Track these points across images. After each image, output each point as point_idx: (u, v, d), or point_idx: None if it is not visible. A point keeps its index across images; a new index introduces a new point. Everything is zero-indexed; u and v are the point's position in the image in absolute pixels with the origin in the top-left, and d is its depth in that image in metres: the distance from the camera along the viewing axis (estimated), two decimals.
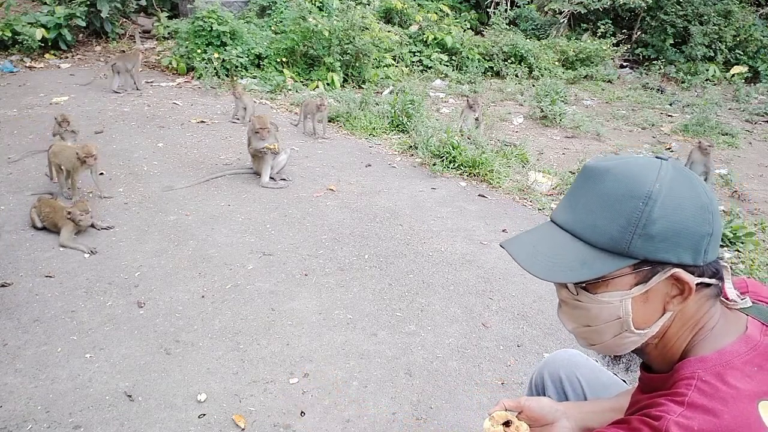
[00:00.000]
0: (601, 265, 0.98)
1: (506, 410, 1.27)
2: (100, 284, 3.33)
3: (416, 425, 2.41)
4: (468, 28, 10.42)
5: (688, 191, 0.97)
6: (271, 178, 4.90)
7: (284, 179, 4.96)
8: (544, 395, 1.57)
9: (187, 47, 8.21)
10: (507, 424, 1.26)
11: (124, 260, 3.60)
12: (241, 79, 8.04)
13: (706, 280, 1.00)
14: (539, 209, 4.67)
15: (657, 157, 1.03)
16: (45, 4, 9.17)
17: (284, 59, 8.43)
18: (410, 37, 9.78)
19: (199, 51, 7.99)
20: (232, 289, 3.34)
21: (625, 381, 1.52)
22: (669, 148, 6.55)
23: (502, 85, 9.17)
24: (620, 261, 0.98)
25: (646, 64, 10.56)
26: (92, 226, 3.95)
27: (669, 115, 8.11)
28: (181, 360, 2.73)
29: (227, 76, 8.07)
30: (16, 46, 8.56)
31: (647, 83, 9.62)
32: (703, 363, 0.98)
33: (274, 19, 9.32)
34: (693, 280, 0.98)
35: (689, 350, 1.03)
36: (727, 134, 7.06)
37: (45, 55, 8.74)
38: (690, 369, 0.98)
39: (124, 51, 8.74)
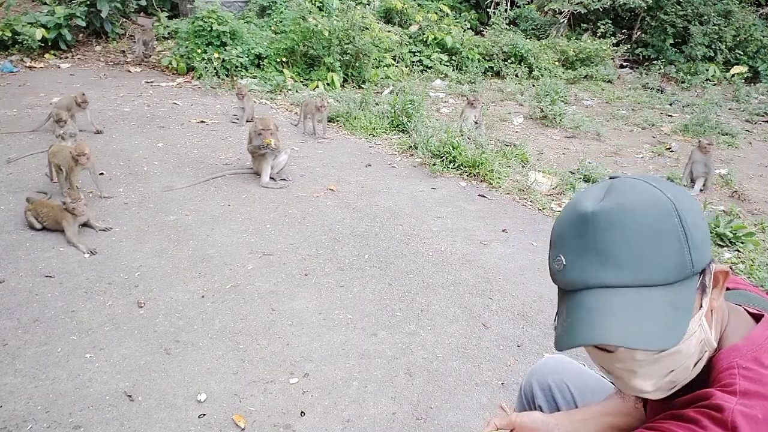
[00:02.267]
0: (686, 299, 0.92)
1: (498, 429, 1.28)
2: (100, 284, 3.33)
3: (416, 425, 2.41)
4: (468, 28, 10.43)
5: (681, 191, 0.97)
6: (271, 178, 4.90)
7: (284, 179, 4.96)
8: (534, 404, 1.58)
9: (187, 47, 8.21)
10: None
11: (124, 260, 3.60)
12: (241, 79, 8.04)
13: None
14: (539, 209, 4.67)
15: (611, 177, 1.01)
16: (45, 4, 9.18)
17: (284, 59, 8.43)
18: (410, 37, 9.79)
19: (199, 51, 8.00)
20: (232, 289, 3.34)
21: (613, 383, 1.52)
22: (669, 148, 6.55)
23: (502, 85, 9.18)
24: (693, 283, 0.93)
25: (646, 64, 10.57)
26: (89, 225, 3.95)
27: (669, 115, 8.11)
28: (181, 360, 2.73)
29: (227, 76, 8.08)
30: (16, 46, 8.57)
31: (647, 83, 9.62)
32: (737, 351, 0.98)
33: (274, 19, 9.33)
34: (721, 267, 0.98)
35: (720, 345, 1.03)
36: (727, 134, 7.07)
37: (45, 55, 8.75)
38: (727, 360, 0.98)
39: (144, 27, 9.69)
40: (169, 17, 10.20)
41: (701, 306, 0.95)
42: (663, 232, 0.90)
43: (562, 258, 0.96)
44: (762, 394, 0.91)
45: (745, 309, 1.08)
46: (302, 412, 2.45)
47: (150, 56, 9.14)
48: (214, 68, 7.94)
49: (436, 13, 10.32)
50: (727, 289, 1.11)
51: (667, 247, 0.90)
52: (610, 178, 1.01)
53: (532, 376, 1.60)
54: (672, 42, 10.45)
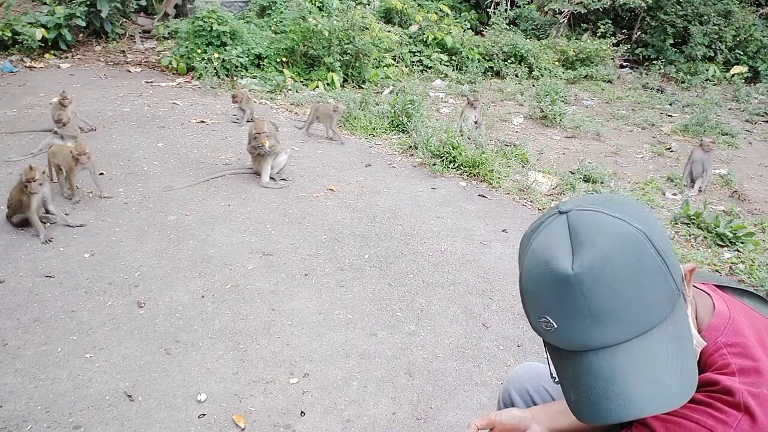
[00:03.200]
0: (682, 324, 0.93)
1: (479, 430, 1.31)
2: (100, 284, 3.33)
3: (416, 425, 2.41)
4: (468, 28, 10.43)
5: (638, 211, 0.95)
6: (271, 178, 4.90)
7: (284, 179, 4.96)
8: None
9: (187, 47, 8.21)
10: None
11: (124, 260, 3.60)
12: (241, 79, 8.04)
13: None
14: (539, 209, 4.67)
15: (561, 212, 0.97)
16: (45, 4, 9.18)
17: (284, 59, 8.43)
18: (410, 37, 9.79)
19: (199, 51, 8.00)
20: (232, 289, 3.34)
21: None
22: (669, 148, 6.55)
23: (502, 85, 9.18)
24: (681, 303, 0.94)
25: (646, 64, 10.57)
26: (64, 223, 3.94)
27: (669, 115, 8.11)
28: (181, 360, 2.73)
29: (227, 76, 8.08)
30: (16, 46, 8.57)
31: (647, 83, 9.62)
32: (717, 330, 1.01)
33: (274, 19, 9.33)
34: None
35: (699, 327, 1.05)
36: (727, 134, 7.07)
37: (45, 55, 8.75)
38: (711, 342, 1.01)
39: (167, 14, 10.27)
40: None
41: (689, 314, 0.98)
42: (646, 270, 0.89)
43: (551, 321, 0.93)
44: (757, 369, 0.95)
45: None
46: (302, 412, 2.45)
47: (179, 14, 9.74)
48: (214, 68, 7.94)
49: (436, 13, 10.32)
50: None
51: (654, 283, 0.89)
52: (560, 212, 0.96)
53: (509, 385, 1.62)
54: (672, 42, 10.45)
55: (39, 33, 8.44)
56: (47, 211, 3.98)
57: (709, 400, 0.96)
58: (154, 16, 10.56)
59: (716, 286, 1.13)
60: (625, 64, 10.93)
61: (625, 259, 0.88)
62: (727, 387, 0.94)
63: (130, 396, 2.48)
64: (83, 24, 8.89)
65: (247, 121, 6.27)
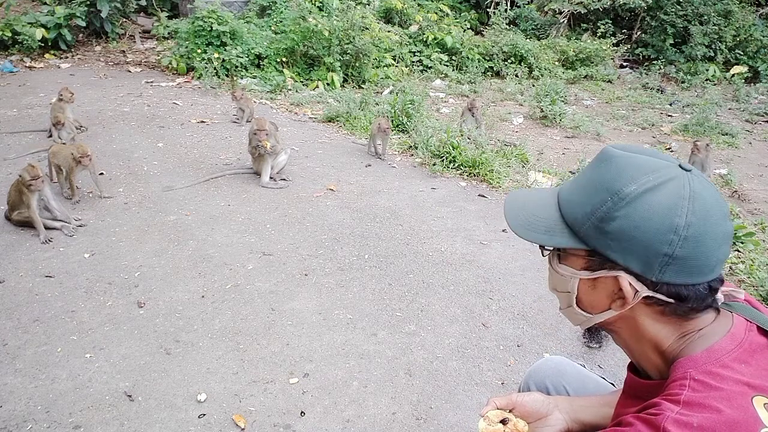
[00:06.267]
0: (559, 238, 1.06)
1: (497, 409, 1.27)
2: (100, 284, 3.33)
3: (416, 425, 2.41)
4: (468, 28, 10.44)
5: (664, 208, 0.94)
6: (271, 178, 4.90)
7: (284, 179, 4.96)
8: None
9: (187, 47, 8.21)
10: (503, 422, 1.26)
11: (124, 260, 3.60)
12: (241, 79, 8.04)
13: (660, 296, 0.98)
14: None
15: (680, 166, 0.99)
16: (45, 4, 9.19)
17: (284, 59, 8.44)
18: (410, 37, 9.79)
19: (199, 51, 8.00)
20: (232, 289, 3.34)
21: (613, 384, 1.51)
22: (669, 148, 6.55)
23: (502, 85, 9.18)
24: (574, 241, 1.04)
25: (646, 64, 10.57)
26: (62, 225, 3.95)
27: (669, 115, 8.11)
28: (181, 360, 2.73)
29: (227, 76, 8.08)
30: (16, 46, 8.58)
31: (647, 83, 9.63)
32: (693, 362, 0.98)
33: (274, 19, 9.33)
34: (634, 291, 0.98)
35: (679, 354, 1.02)
36: (727, 134, 7.06)
37: (45, 55, 8.76)
38: (681, 370, 0.98)
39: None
40: (169, 17, 10.20)
41: (579, 270, 1.06)
42: (594, 192, 1.02)
43: None
44: (703, 405, 0.90)
45: (738, 317, 1.06)
46: (302, 412, 2.45)
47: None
48: (214, 68, 7.94)
49: (436, 13, 10.33)
50: (726, 303, 1.09)
51: (585, 201, 1.03)
52: (680, 166, 1.03)
53: (530, 378, 1.60)
54: (672, 42, 10.46)
55: (39, 33, 8.45)
56: (47, 209, 3.98)
57: (633, 420, 0.94)
58: (153, 16, 10.57)
59: None
60: (625, 64, 10.93)
61: (606, 173, 1.02)
62: (657, 411, 0.92)
63: (130, 396, 2.48)
64: (83, 24, 8.90)
65: (247, 121, 6.27)
